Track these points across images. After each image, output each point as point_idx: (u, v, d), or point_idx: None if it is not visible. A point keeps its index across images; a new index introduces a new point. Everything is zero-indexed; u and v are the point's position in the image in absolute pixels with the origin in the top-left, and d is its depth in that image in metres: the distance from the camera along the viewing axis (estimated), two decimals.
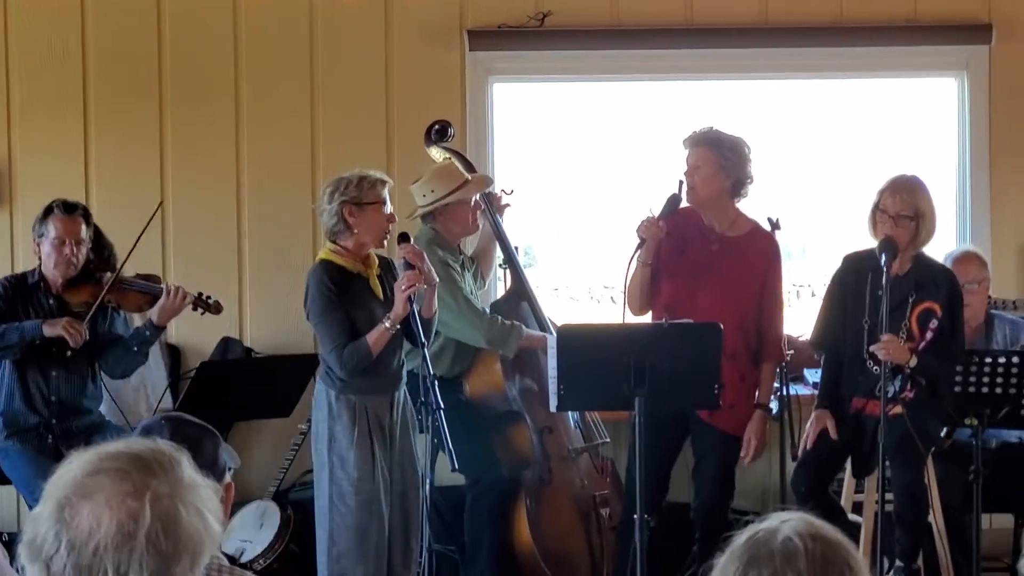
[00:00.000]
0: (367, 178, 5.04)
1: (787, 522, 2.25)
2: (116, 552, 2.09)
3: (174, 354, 6.68)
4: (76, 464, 2.17)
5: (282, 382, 6.15)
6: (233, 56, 6.76)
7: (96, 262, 5.70)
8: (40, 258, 5.65)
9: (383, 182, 5.08)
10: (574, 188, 7.11)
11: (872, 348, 5.19)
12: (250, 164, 6.79)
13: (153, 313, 5.59)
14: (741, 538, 2.25)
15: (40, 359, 5.58)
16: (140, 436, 2.90)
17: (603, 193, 7.09)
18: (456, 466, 4.81)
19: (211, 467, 2.93)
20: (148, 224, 5.71)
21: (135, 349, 5.64)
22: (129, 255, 5.65)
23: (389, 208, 5.09)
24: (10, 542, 5.51)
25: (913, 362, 5.20)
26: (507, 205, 6.07)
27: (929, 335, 5.29)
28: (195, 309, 5.67)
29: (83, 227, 5.59)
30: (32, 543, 2.13)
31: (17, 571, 2.23)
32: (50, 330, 5.42)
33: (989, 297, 6.20)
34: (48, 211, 5.56)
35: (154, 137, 6.73)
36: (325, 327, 5.04)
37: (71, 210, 5.57)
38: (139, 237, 5.67)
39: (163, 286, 5.62)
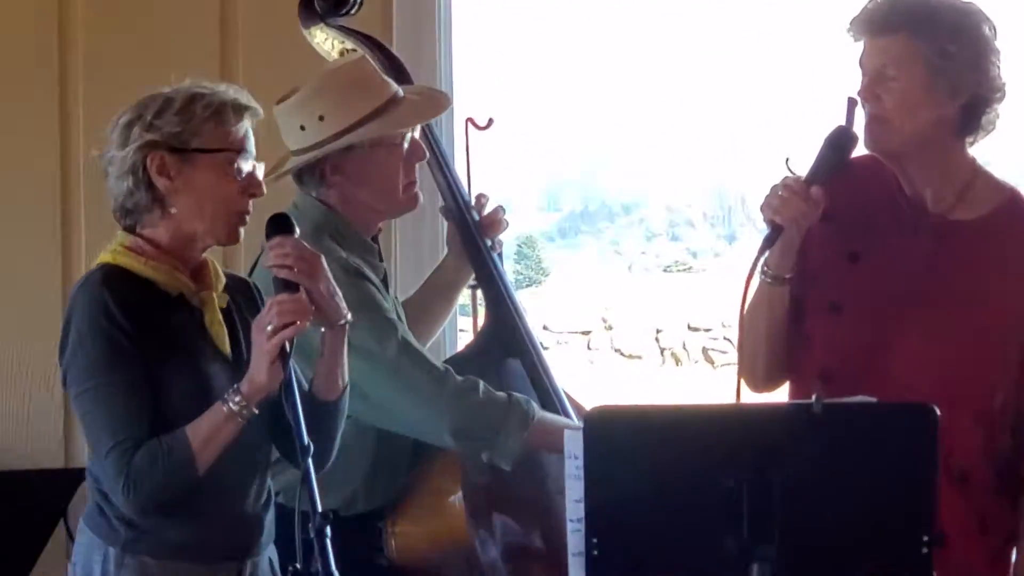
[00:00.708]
0: (202, 98, 3.27)
1: None
2: None
3: None
4: None
5: (9, 526, 4.45)
6: None
7: None
8: None
9: (239, 108, 3.27)
10: (587, 115, 4.94)
11: None
12: None
13: None
14: None
15: None
16: None
17: (649, 111, 4.99)
18: None
19: None
20: None
21: None
22: None
23: (250, 163, 3.25)
24: None
25: None
26: (502, 219, 3.94)
27: None
28: None
29: None
30: None
31: None
32: None
33: None
34: None
35: None
36: (97, 403, 3.24)
37: None
38: None
39: None
